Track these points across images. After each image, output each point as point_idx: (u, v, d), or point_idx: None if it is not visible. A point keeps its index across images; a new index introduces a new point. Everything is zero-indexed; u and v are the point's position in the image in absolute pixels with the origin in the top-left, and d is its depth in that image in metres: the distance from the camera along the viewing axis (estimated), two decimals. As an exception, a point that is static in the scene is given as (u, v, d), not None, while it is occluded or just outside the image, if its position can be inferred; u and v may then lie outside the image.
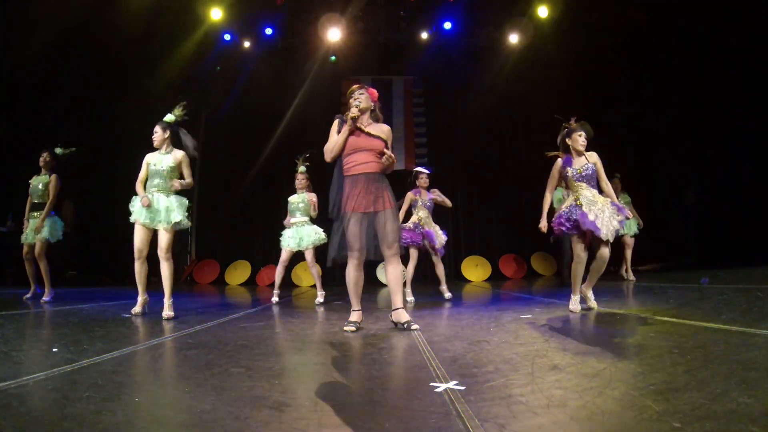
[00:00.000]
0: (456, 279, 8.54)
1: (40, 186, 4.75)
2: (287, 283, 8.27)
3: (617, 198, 3.31)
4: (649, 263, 8.04)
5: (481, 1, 8.46)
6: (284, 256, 4.94)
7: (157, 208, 3.47)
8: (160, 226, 3.47)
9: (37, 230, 4.64)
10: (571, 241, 3.41)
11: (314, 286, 5.58)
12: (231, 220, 9.31)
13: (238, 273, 8.92)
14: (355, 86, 3.05)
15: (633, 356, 1.85)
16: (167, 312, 3.41)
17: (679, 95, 7.68)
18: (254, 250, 9.16)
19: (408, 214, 4.99)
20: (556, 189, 3.68)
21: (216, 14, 8.03)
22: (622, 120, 7.94)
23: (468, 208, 9.40)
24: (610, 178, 3.56)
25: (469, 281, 8.61)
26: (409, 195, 4.94)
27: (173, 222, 3.48)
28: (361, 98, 2.95)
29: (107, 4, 6.90)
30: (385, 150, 2.86)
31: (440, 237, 4.86)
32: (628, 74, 8.02)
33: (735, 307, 2.90)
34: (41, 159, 4.78)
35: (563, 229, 3.32)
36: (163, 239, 3.46)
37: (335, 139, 2.91)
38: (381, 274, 8.51)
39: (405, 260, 4.68)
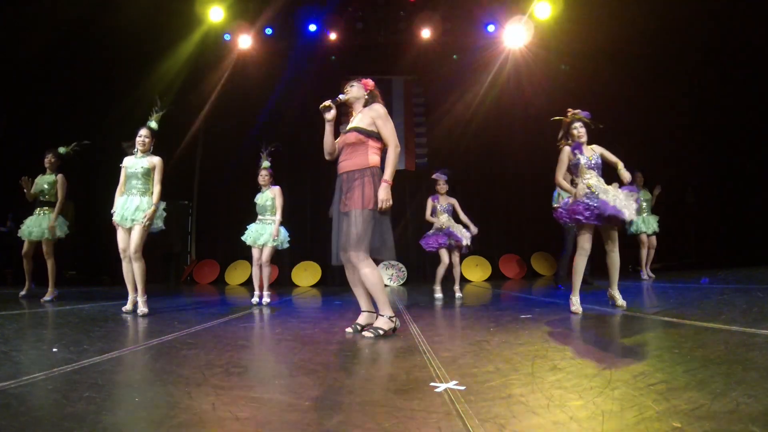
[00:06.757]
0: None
1: (45, 186, 4.77)
2: (287, 284, 8.26)
3: (638, 193, 3.21)
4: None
5: (481, 0, 8.45)
6: (255, 254, 4.90)
7: (130, 207, 3.57)
8: (130, 224, 3.57)
9: (51, 231, 4.67)
10: (576, 235, 3.28)
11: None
12: (231, 220, 9.30)
13: (238, 273, 8.92)
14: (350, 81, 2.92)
15: (633, 356, 1.85)
16: (141, 309, 3.56)
17: (679, 95, 7.67)
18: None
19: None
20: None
21: (216, 14, 8.03)
22: (622, 120, 7.93)
23: (468, 208, 9.36)
24: (632, 173, 3.51)
25: (469, 281, 8.61)
26: (429, 202, 5.06)
27: (139, 220, 3.54)
28: (350, 90, 2.86)
29: (107, 4, 6.89)
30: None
31: (465, 235, 4.94)
32: (628, 75, 8.02)
33: (735, 307, 2.90)
34: (46, 160, 4.79)
35: (581, 218, 3.10)
36: (132, 239, 3.56)
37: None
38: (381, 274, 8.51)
39: (437, 262, 4.93)
